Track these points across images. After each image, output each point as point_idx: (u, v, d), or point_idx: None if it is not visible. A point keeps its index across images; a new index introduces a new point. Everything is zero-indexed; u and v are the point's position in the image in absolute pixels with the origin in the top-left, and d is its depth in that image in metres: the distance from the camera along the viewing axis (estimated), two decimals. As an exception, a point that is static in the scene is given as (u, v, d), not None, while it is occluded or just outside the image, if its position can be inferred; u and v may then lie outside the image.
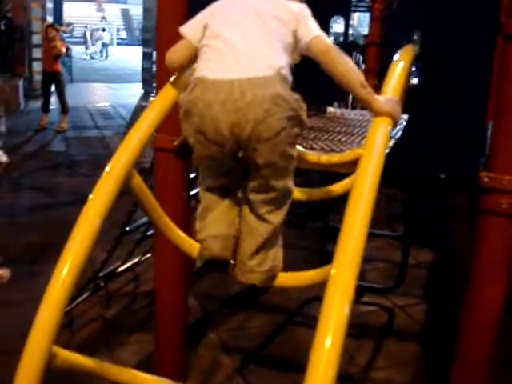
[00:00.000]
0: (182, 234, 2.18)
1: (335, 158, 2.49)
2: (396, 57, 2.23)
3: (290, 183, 2.03)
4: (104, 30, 38.23)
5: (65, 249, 1.64)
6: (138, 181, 1.85)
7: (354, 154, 2.43)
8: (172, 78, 2.12)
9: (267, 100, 1.81)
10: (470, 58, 2.38)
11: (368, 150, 1.84)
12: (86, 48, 34.75)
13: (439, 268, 5.37)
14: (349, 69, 1.94)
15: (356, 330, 4.01)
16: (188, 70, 2.10)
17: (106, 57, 34.47)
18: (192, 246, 2.16)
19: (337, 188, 2.46)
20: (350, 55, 7.81)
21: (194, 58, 2.03)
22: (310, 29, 1.98)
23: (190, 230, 3.06)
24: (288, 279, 2.15)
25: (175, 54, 2.08)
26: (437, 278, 5.18)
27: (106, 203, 1.72)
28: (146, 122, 1.95)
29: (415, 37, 2.44)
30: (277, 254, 2.09)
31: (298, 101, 1.91)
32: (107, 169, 1.80)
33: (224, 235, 2.08)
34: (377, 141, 1.85)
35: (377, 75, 7.38)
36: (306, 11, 2.01)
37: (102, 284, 4.44)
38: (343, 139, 2.91)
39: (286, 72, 1.92)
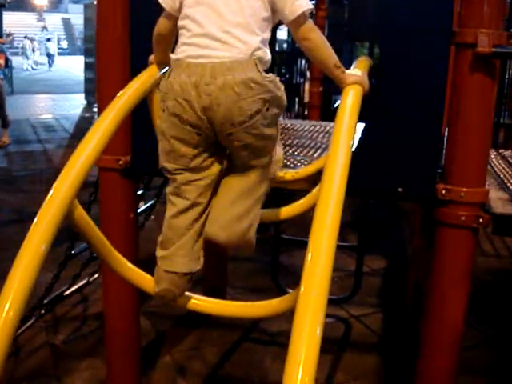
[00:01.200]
0: (130, 265, 2.02)
1: (289, 174, 2.40)
2: (353, 66, 2.17)
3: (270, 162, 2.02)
4: (49, 39, 37.75)
5: (8, 280, 1.47)
6: (80, 212, 1.67)
7: (307, 172, 2.38)
8: (119, 93, 1.99)
9: (238, 84, 1.79)
10: (424, 68, 2.34)
11: (331, 161, 1.72)
12: (27, 58, 34.03)
13: (392, 275, 5.35)
14: (328, 52, 1.98)
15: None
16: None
17: (50, 67, 33.87)
18: (142, 278, 2.03)
19: (301, 205, 2.37)
20: (295, 62, 7.82)
21: (175, 28, 1.97)
22: (293, 3, 1.88)
23: (137, 253, 2.94)
24: (255, 309, 2.04)
25: (157, 27, 2.04)
26: (391, 285, 5.15)
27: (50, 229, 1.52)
28: (91, 144, 1.76)
29: (375, 50, 2.38)
30: (257, 215, 2.00)
31: (274, 81, 1.87)
32: (50, 193, 1.60)
33: (183, 273, 1.96)
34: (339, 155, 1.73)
35: (321, 82, 7.41)
36: None
37: (48, 308, 4.23)
38: (296, 153, 2.83)
39: (262, 53, 1.87)
